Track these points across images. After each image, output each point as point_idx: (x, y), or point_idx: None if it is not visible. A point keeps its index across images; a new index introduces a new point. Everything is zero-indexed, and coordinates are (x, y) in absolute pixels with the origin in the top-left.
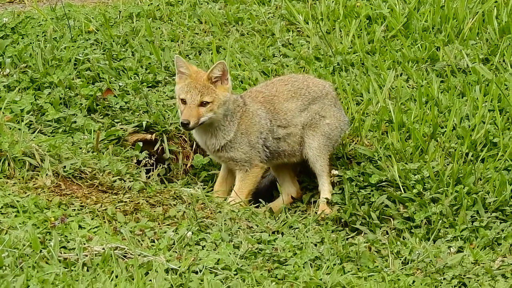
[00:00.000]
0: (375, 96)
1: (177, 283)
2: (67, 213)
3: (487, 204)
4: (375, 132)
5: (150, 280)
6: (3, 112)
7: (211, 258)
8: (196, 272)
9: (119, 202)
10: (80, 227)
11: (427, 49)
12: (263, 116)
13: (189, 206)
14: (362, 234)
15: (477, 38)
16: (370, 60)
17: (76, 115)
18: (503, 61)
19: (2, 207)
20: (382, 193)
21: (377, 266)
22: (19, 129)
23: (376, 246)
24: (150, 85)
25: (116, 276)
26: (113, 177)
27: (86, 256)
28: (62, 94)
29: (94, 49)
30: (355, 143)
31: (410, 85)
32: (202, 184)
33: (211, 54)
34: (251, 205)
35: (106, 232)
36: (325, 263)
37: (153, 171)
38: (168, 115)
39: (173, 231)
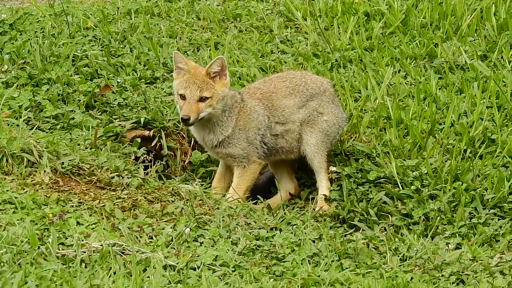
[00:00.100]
0: (373, 92)
1: (175, 279)
2: (65, 209)
3: (485, 201)
4: (373, 128)
5: (148, 277)
6: (1, 109)
7: (209, 255)
8: (194, 269)
9: (117, 198)
10: (78, 223)
11: (425, 46)
12: (261, 113)
13: (187, 202)
14: (360, 231)
15: (475, 35)
16: (368, 57)
17: (74, 111)
18: (501, 57)
19: (0, 204)
20: (380, 190)
21: (375, 263)
22: (17, 125)
23: (374, 242)
24: (148, 81)
25: (114, 273)
26: (111, 173)
27: (84, 252)
28: (60, 90)
29: (92, 46)
30: (353, 140)
31: (408, 81)
32: (200, 180)
33: (209, 50)
34: (249, 201)
35: (104, 229)
36: (323, 259)
37: (151, 167)
38: (166, 112)
39: (171, 228)
